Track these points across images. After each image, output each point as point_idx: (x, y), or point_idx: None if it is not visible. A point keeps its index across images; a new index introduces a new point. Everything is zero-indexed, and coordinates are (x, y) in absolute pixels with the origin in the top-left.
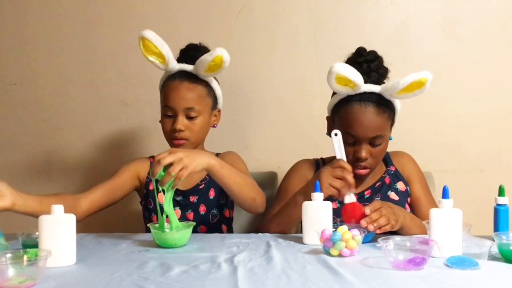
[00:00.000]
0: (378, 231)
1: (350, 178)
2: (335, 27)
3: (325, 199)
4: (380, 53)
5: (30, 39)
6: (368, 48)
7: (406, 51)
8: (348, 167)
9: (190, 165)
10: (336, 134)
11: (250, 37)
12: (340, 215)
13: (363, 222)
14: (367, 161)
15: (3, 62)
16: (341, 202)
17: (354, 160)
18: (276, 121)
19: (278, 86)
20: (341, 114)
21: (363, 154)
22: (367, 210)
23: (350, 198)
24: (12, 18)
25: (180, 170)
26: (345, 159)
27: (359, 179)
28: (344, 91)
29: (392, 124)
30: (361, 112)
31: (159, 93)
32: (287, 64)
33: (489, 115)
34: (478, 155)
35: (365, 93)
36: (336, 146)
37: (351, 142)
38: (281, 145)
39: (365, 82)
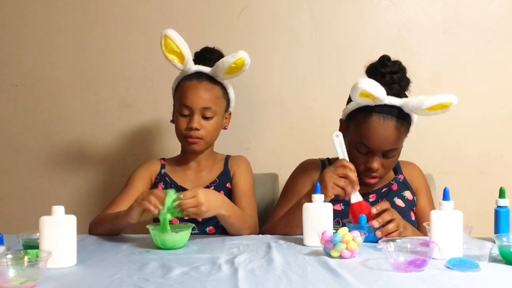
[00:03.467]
0: (384, 238)
1: (353, 176)
2: (336, 28)
3: (332, 200)
4: (380, 55)
5: (31, 40)
6: (369, 50)
7: (407, 53)
8: (351, 166)
9: (204, 213)
10: (337, 136)
11: (251, 38)
12: (345, 217)
13: (375, 223)
14: (378, 172)
15: (4, 63)
16: (347, 204)
17: (365, 169)
18: (277, 123)
19: (279, 87)
20: (358, 122)
21: (375, 165)
22: (373, 209)
23: (356, 197)
24: (13, 19)
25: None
26: (347, 158)
27: (366, 186)
28: (365, 102)
29: (406, 136)
30: (380, 125)
31: (159, 94)
32: (288, 65)
33: (490, 117)
34: (479, 157)
35: (385, 105)
36: (338, 147)
37: (364, 152)
38: (282, 147)
39: (387, 94)
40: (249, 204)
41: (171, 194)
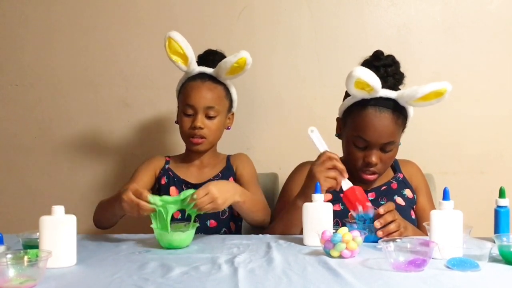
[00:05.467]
0: (385, 238)
1: (340, 164)
2: (336, 28)
3: (331, 200)
4: None
5: (31, 39)
6: (369, 50)
7: (407, 53)
8: (335, 155)
9: (221, 205)
10: (312, 131)
11: (251, 38)
12: (345, 217)
13: (377, 224)
14: (376, 167)
15: (4, 63)
16: (345, 204)
17: (363, 165)
18: (276, 122)
19: (279, 87)
20: (354, 117)
21: (373, 159)
22: (381, 209)
23: (346, 184)
24: (13, 19)
25: (209, 204)
26: (328, 149)
27: (365, 183)
28: (360, 94)
29: (403, 130)
30: (376, 117)
31: (159, 94)
32: (288, 65)
33: (490, 116)
34: (479, 157)
35: (380, 98)
36: (316, 141)
37: (362, 146)
38: (282, 146)
39: (382, 87)
40: (257, 190)
41: (185, 193)
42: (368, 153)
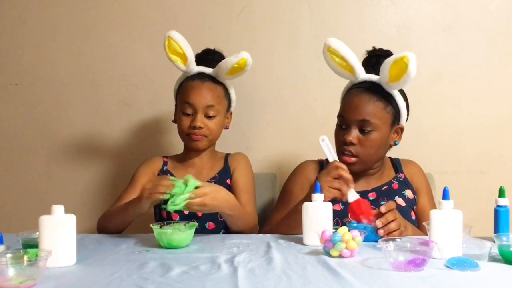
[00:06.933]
0: (385, 237)
1: (346, 174)
2: (336, 28)
3: (331, 200)
4: None
5: (31, 39)
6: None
7: None
8: (343, 166)
9: (207, 211)
10: (323, 140)
11: (251, 37)
12: (344, 217)
13: (379, 223)
14: (354, 148)
15: (4, 62)
16: (346, 204)
17: (341, 143)
18: (276, 122)
19: (279, 87)
20: (342, 100)
21: (349, 137)
22: (382, 208)
23: (353, 196)
24: (13, 19)
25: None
26: (337, 159)
27: (356, 173)
28: (344, 74)
29: (393, 122)
30: (354, 95)
31: (159, 94)
32: (287, 65)
33: (490, 116)
34: (479, 156)
35: (364, 81)
36: (325, 150)
37: (343, 125)
38: (281, 146)
39: (369, 72)
40: (249, 200)
41: (180, 186)
42: (346, 132)
